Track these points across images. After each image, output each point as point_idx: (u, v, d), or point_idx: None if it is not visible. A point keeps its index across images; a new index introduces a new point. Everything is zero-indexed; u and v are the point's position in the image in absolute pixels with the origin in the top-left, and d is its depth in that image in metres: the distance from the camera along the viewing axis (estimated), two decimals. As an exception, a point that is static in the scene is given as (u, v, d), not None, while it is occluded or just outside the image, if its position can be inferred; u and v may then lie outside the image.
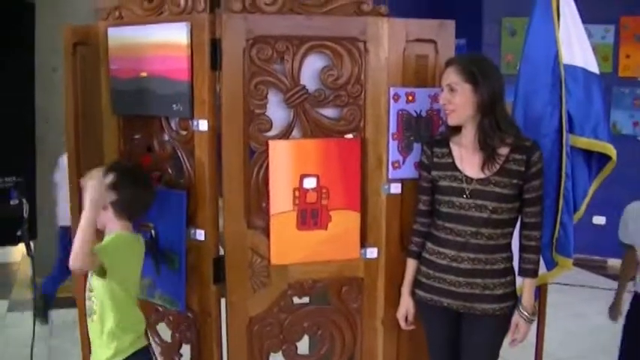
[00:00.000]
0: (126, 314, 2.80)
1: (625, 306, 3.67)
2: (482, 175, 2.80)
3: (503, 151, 2.80)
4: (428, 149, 2.94)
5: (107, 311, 2.77)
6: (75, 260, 2.58)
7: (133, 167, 3.01)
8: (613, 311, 3.78)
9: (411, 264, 3.01)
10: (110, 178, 2.77)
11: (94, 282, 2.78)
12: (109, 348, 2.78)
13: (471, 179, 2.81)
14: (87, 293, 2.86)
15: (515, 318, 2.91)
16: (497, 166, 2.79)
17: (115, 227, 2.81)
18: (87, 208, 2.65)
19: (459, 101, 2.77)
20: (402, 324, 3.06)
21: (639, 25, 7.24)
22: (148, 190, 2.92)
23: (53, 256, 5.65)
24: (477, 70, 2.74)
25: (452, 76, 2.78)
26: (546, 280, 3.23)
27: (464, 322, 2.94)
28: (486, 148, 2.79)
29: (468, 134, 2.83)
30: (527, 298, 2.90)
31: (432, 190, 2.93)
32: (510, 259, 2.90)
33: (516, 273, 2.93)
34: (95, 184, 2.70)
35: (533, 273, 2.91)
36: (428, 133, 3.03)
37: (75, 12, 6.29)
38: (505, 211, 2.80)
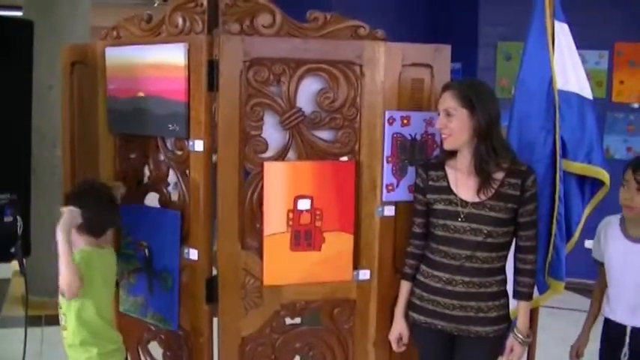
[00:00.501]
0: (92, 331, 2.80)
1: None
2: (477, 199, 2.80)
3: (499, 175, 2.81)
4: (423, 172, 2.94)
5: (72, 327, 2.79)
6: (71, 286, 2.60)
7: (92, 187, 2.96)
8: (574, 349, 3.46)
9: (405, 286, 3.01)
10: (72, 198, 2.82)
11: (60, 299, 2.80)
12: None
13: (466, 203, 2.82)
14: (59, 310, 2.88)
15: (510, 341, 2.92)
16: (493, 191, 2.80)
17: (79, 244, 2.81)
18: (61, 233, 2.65)
19: (455, 126, 2.78)
20: (394, 346, 3.05)
21: (633, 51, 7.26)
22: (108, 208, 2.89)
23: (46, 273, 5.62)
24: (474, 95, 2.76)
25: (448, 101, 2.79)
26: (538, 303, 3.23)
27: (457, 344, 2.93)
28: (482, 173, 2.79)
29: (464, 158, 2.84)
30: (522, 320, 2.91)
31: (427, 213, 2.93)
32: (504, 282, 2.91)
33: (510, 296, 2.94)
34: (72, 211, 2.73)
35: (528, 296, 2.91)
36: (422, 156, 3.04)
37: (72, 30, 6.29)
38: (500, 235, 2.81)
